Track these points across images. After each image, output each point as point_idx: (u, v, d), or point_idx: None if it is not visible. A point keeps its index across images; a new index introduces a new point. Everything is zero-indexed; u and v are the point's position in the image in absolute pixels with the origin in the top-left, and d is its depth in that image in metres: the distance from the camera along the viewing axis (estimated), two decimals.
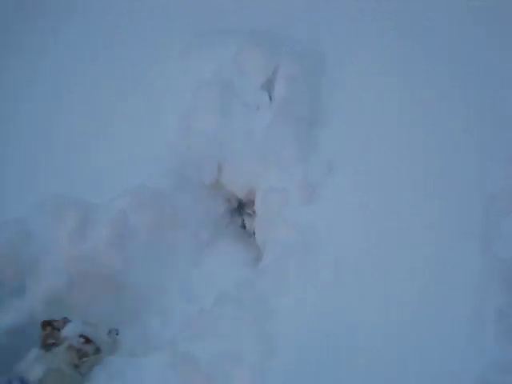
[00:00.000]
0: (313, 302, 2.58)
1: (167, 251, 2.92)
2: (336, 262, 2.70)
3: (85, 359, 2.53)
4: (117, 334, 2.69)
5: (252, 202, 3.31)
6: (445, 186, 3.01)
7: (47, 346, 2.52)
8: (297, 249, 2.76)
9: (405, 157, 3.13)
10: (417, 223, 2.87)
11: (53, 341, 2.53)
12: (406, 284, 2.66)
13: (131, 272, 2.77)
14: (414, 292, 2.63)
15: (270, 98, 3.39)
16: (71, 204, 2.79)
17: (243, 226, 3.48)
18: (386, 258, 2.74)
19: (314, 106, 3.46)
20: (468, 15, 3.74)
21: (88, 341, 2.57)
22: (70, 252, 2.69)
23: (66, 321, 2.61)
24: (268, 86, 3.43)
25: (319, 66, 3.65)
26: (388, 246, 2.79)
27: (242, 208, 3.47)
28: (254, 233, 3.31)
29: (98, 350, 2.58)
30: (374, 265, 2.70)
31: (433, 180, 3.05)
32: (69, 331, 2.55)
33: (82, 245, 2.70)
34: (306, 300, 2.60)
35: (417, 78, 3.51)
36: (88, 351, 2.55)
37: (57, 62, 3.61)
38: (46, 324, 2.58)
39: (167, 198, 2.93)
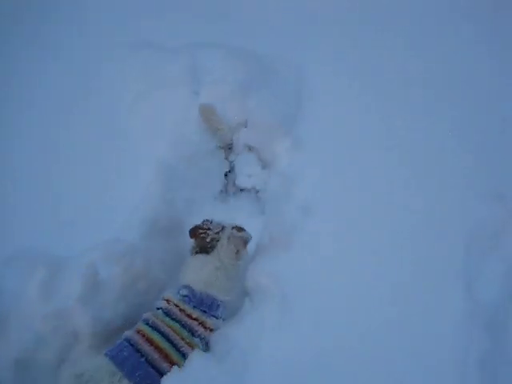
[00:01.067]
0: (289, 355, 2.49)
1: (139, 305, 2.81)
2: (314, 314, 2.62)
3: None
4: None
5: None
6: (427, 224, 2.96)
7: (205, 249, 2.77)
8: (272, 298, 2.68)
9: (384, 197, 3.07)
10: (398, 265, 2.80)
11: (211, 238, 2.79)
12: (388, 331, 2.57)
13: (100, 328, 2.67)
14: (395, 339, 2.54)
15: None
16: (41, 258, 2.72)
17: None
18: (366, 305, 2.66)
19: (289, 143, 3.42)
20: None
21: (241, 229, 2.86)
22: (39, 308, 2.61)
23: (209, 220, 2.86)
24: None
25: (296, 96, 3.62)
26: (369, 292, 2.71)
27: None
28: None
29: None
30: (353, 314, 2.61)
31: (414, 218, 2.98)
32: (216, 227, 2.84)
33: (51, 300, 2.61)
34: (282, 352, 2.50)
35: (399, 112, 3.48)
36: (248, 237, 2.87)
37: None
38: (196, 230, 2.83)
39: (139, 250, 2.84)
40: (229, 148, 3.56)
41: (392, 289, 2.69)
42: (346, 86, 3.66)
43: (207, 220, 2.87)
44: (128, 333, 2.51)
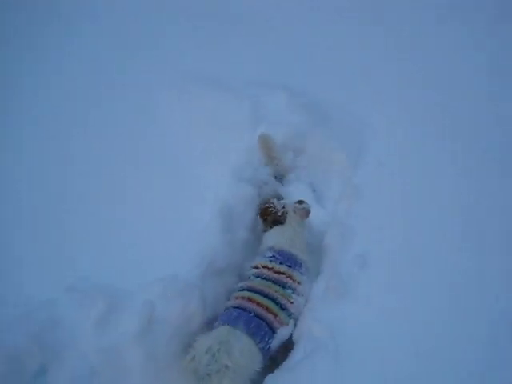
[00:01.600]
0: None
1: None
2: (367, 367, 2.57)
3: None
4: None
5: None
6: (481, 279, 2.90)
7: (279, 221, 3.22)
8: (325, 348, 2.64)
9: (442, 250, 3.04)
10: (457, 321, 2.73)
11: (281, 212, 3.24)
12: None
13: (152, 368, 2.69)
14: None
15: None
16: (100, 290, 2.77)
17: None
18: (423, 361, 2.58)
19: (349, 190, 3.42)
20: None
21: (302, 201, 3.32)
22: (94, 341, 2.64)
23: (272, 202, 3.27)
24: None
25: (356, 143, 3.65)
26: (425, 346, 2.64)
27: None
28: None
29: None
30: (409, 369, 2.55)
31: (471, 276, 2.92)
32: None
33: (107, 335, 2.65)
34: None
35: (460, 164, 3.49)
36: (309, 207, 3.32)
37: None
38: (267, 209, 3.25)
39: (196, 289, 2.86)
40: (281, 179, 3.61)
41: (451, 346, 2.62)
42: (407, 136, 3.68)
43: (270, 202, 3.27)
44: (228, 302, 2.87)
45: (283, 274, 2.96)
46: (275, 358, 2.86)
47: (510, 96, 3.86)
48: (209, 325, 2.87)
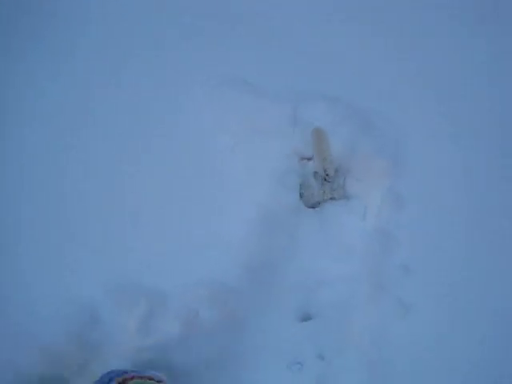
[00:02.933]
0: None
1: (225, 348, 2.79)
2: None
3: None
4: None
5: None
6: None
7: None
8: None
9: (490, 263, 2.99)
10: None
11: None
12: None
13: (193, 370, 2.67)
14: None
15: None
16: (140, 291, 2.77)
17: None
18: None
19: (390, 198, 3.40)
20: None
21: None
22: (135, 342, 2.64)
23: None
24: None
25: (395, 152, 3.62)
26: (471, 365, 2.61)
27: None
28: None
29: None
30: None
31: None
32: None
33: (148, 336, 2.64)
34: None
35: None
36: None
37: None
38: None
39: (238, 295, 2.84)
40: (324, 179, 3.48)
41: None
42: (447, 146, 3.62)
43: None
44: None
45: None
46: None
47: None
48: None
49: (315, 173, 3.48)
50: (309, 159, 3.60)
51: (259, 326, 3.01)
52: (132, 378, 2.32)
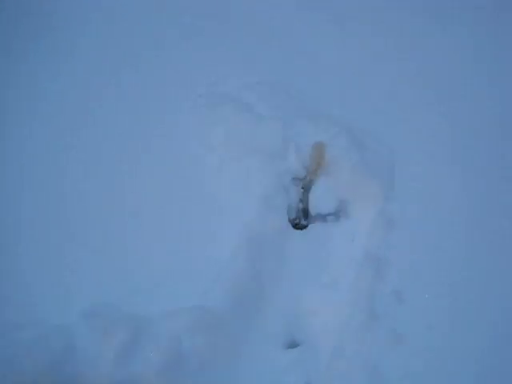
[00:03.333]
0: None
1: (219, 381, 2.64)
2: None
3: None
4: None
5: None
6: None
7: None
8: None
9: (481, 288, 2.90)
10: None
11: None
12: None
13: None
14: None
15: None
16: (119, 317, 2.60)
17: None
18: None
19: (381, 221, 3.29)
20: None
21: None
22: (114, 371, 2.47)
23: None
24: None
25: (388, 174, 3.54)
26: None
27: None
28: None
29: None
30: None
31: None
32: None
33: (128, 367, 2.47)
34: None
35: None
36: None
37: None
38: None
39: (224, 321, 2.70)
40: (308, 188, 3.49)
41: None
42: (439, 166, 3.56)
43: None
44: None
45: None
46: None
47: None
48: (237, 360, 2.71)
49: (293, 179, 3.48)
50: (301, 179, 3.51)
51: (244, 353, 2.85)
52: None
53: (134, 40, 4.29)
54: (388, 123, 3.82)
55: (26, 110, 3.69)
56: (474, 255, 3.07)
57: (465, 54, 4.33)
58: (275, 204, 3.31)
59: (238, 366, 2.78)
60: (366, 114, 3.87)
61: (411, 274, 2.98)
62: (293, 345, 3.00)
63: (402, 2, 4.86)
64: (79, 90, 3.87)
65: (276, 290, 3.06)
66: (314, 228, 3.39)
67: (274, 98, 3.91)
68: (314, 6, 4.82)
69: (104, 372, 2.47)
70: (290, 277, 3.15)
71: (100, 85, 3.92)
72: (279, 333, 3.01)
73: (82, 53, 4.15)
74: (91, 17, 4.51)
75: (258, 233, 3.13)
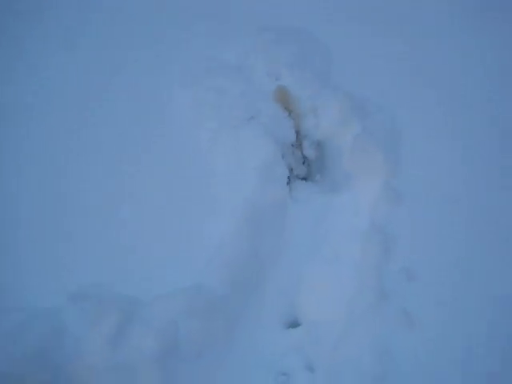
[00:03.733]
0: None
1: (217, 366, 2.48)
2: None
3: None
4: None
5: None
6: None
7: None
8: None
9: (495, 262, 2.75)
10: None
11: None
12: None
13: None
14: None
15: None
16: (111, 299, 2.43)
17: None
18: None
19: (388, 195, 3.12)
20: None
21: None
22: (105, 357, 2.30)
23: None
24: None
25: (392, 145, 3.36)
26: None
27: None
28: None
29: None
30: None
31: None
32: None
33: (120, 351, 2.30)
34: None
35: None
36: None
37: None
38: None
39: (221, 302, 2.53)
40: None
41: None
42: (445, 140, 3.38)
43: None
44: None
45: None
46: None
47: None
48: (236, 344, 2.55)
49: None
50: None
51: (242, 335, 2.71)
52: None
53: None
54: (394, 95, 3.63)
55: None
56: (483, 229, 2.91)
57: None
58: (274, 175, 3.12)
59: (237, 348, 2.64)
60: (366, 82, 3.68)
61: (420, 250, 2.81)
62: (294, 324, 2.85)
63: None
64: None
65: (276, 267, 2.92)
66: (314, 201, 3.21)
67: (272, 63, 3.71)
68: None
69: (95, 358, 2.30)
70: (291, 252, 3.00)
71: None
72: (279, 312, 2.87)
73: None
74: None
75: (256, 207, 2.95)
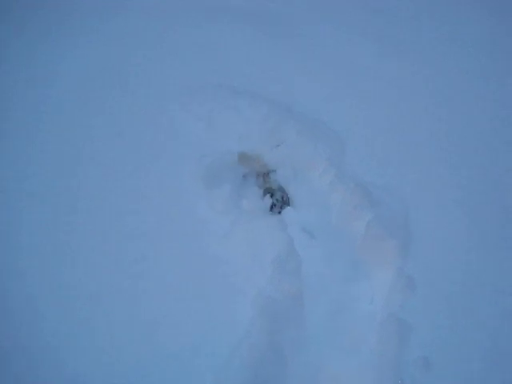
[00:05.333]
0: None
1: None
2: None
3: None
4: None
5: None
6: None
7: None
8: None
9: None
10: None
11: None
12: None
13: None
14: None
15: None
16: None
17: None
18: None
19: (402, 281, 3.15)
20: None
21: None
22: None
23: None
24: None
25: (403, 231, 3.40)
26: None
27: None
28: None
29: None
30: None
31: None
32: None
33: None
34: None
35: None
36: None
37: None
38: None
39: None
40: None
41: None
42: (458, 221, 3.44)
43: None
44: None
45: None
46: None
47: None
48: None
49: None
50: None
51: None
52: None
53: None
54: (399, 175, 3.72)
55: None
56: (502, 312, 2.94)
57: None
58: (289, 267, 3.16)
59: None
60: (377, 170, 3.77)
61: (436, 338, 2.83)
62: None
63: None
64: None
65: (295, 360, 2.89)
66: (330, 290, 3.24)
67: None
68: None
69: None
70: (309, 344, 2.98)
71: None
72: None
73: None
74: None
75: (273, 299, 2.98)
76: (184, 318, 2.91)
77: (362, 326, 3.05)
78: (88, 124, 3.87)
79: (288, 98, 4.21)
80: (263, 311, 2.91)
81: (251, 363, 2.72)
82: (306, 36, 4.84)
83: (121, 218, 3.35)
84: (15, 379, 2.63)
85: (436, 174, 3.75)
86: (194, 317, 2.92)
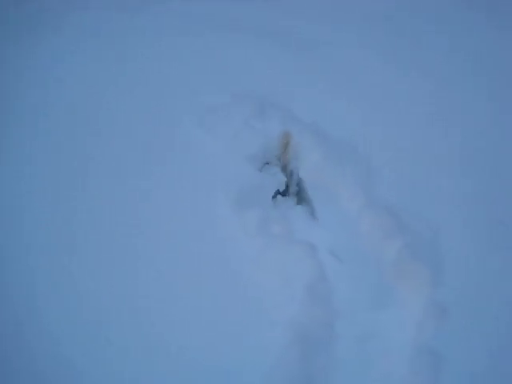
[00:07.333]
0: None
1: None
2: None
3: None
4: None
5: None
6: None
7: None
8: None
9: None
10: None
11: None
12: None
13: None
14: None
15: None
16: None
17: None
18: None
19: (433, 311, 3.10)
20: None
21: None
22: None
23: None
24: None
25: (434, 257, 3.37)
26: None
27: None
28: None
29: None
30: None
31: None
32: None
33: None
34: None
35: None
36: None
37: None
38: None
39: None
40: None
41: None
42: (485, 246, 3.39)
43: None
44: None
45: None
46: None
47: None
48: None
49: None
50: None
51: None
52: None
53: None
54: (429, 199, 3.68)
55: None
56: None
57: None
58: (319, 294, 3.14)
59: None
60: (403, 191, 3.73)
61: (472, 371, 2.77)
62: None
63: None
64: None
65: None
66: (360, 317, 3.19)
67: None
68: None
69: None
70: (340, 373, 2.93)
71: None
72: None
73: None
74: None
75: (304, 326, 2.95)
76: (214, 342, 2.88)
77: (392, 356, 3.00)
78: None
79: (314, 117, 4.20)
80: (295, 339, 2.88)
81: None
82: (331, 56, 4.86)
83: (148, 238, 3.35)
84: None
85: (467, 198, 3.71)
86: (225, 341, 2.89)
